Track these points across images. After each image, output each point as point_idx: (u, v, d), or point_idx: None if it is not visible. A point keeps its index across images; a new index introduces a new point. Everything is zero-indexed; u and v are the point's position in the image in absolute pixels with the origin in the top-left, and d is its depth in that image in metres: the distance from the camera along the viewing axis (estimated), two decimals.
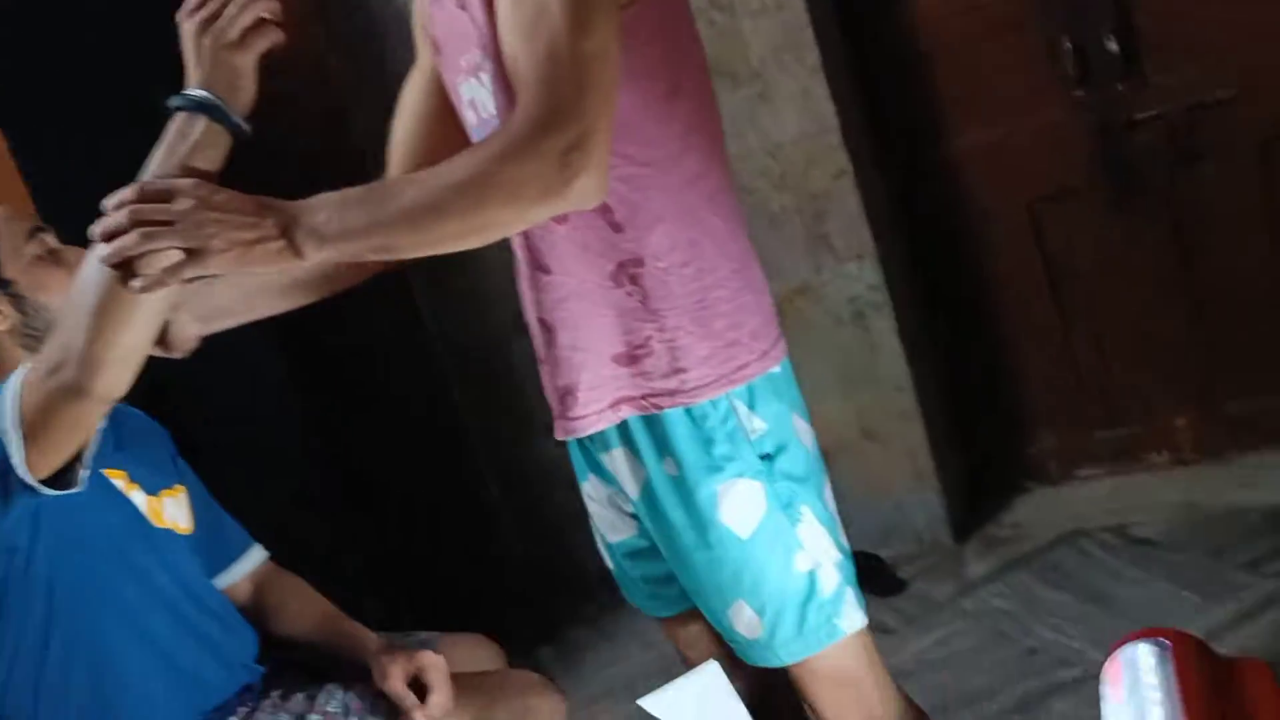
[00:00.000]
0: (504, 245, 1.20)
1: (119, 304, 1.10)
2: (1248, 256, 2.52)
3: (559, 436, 1.33)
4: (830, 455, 1.36)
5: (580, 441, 1.34)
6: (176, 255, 0.96)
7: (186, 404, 2.22)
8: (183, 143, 1.09)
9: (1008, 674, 2.23)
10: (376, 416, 3.12)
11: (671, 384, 1.19)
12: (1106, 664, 1.05)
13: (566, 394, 1.26)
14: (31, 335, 1.39)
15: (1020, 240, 2.71)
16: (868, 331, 2.67)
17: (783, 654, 1.26)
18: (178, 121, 1.10)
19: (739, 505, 1.21)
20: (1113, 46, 2.47)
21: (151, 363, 1.24)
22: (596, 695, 2.68)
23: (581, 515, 1.47)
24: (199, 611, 1.52)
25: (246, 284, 1.37)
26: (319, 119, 2.81)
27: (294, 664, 1.63)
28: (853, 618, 1.26)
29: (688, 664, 1.52)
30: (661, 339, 1.19)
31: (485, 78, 1.19)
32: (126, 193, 0.98)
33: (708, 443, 1.20)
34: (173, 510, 1.55)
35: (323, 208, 0.98)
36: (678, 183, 1.18)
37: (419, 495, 3.15)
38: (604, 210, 1.14)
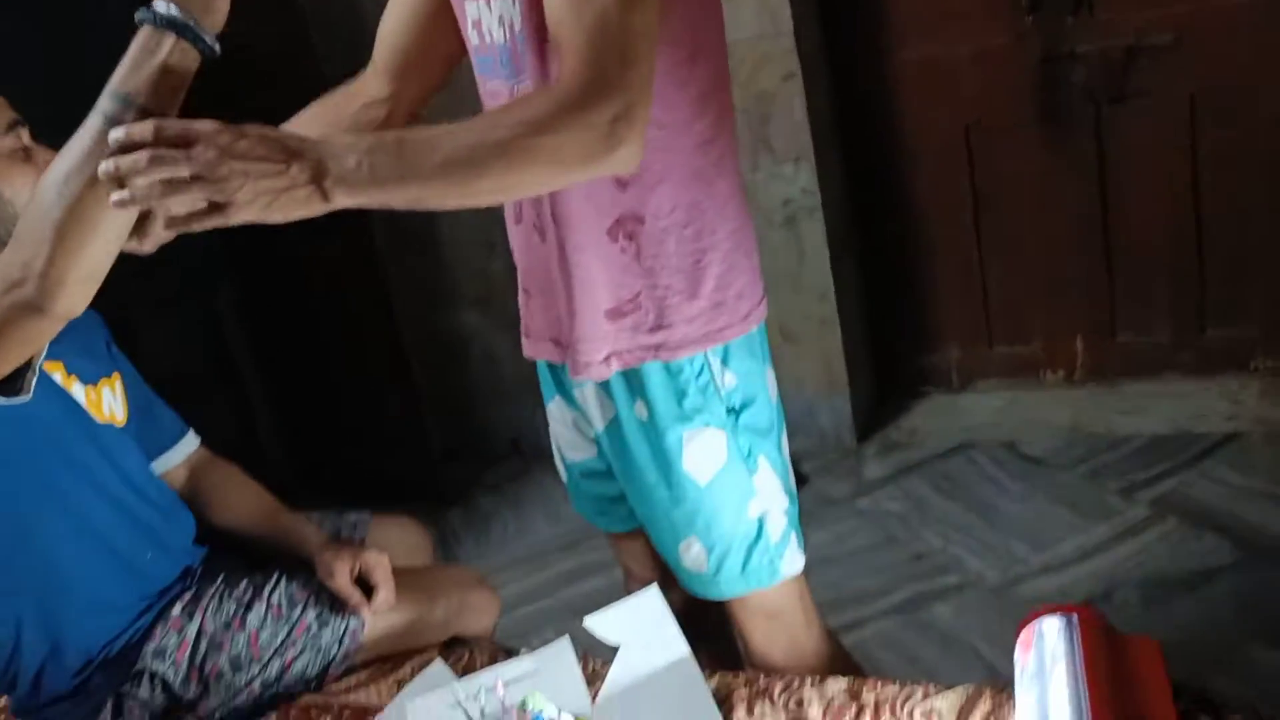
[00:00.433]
0: None
1: (84, 222, 1.04)
2: (1162, 200, 2.63)
3: (555, 360, 1.35)
4: None
5: (550, 364, 1.37)
6: (199, 202, 0.92)
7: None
8: (149, 60, 1.03)
9: (895, 576, 2.39)
10: (304, 282, 3.07)
11: (656, 339, 1.22)
12: (1020, 632, 1.17)
13: (562, 338, 1.29)
14: None
15: (951, 159, 2.77)
16: (798, 237, 2.72)
17: (725, 589, 1.35)
18: (143, 35, 1.04)
19: (701, 454, 1.27)
20: None
21: None
22: (503, 565, 2.77)
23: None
24: (140, 501, 1.52)
25: None
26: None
27: (234, 547, 1.65)
28: (794, 562, 1.35)
29: (628, 575, 1.61)
30: (651, 296, 1.21)
31: (494, 2, 1.16)
32: (141, 129, 0.92)
33: (680, 394, 1.25)
34: (110, 401, 1.53)
35: (352, 152, 0.94)
36: (689, 145, 1.19)
37: (338, 357, 3.13)
38: None
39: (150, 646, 1.48)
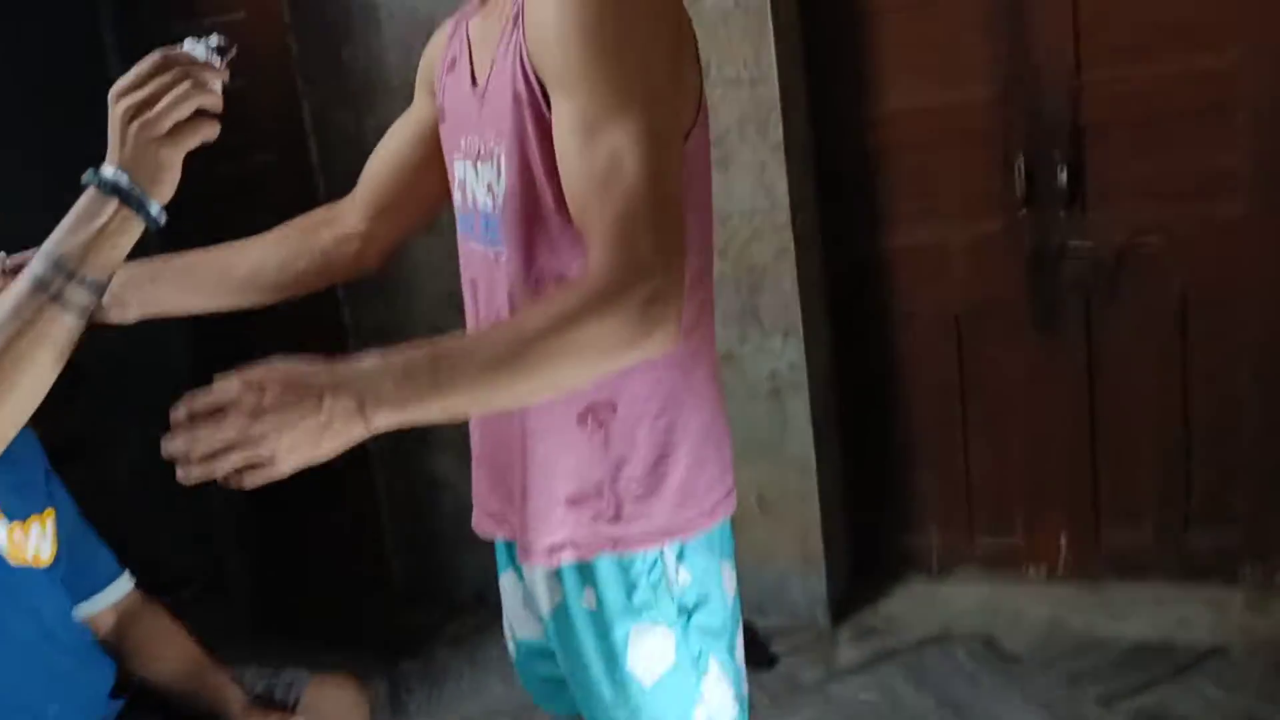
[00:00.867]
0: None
1: (18, 361, 1.00)
2: (1150, 398, 2.60)
3: (502, 538, 1.31)
4: None
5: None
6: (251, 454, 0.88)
7: None
8: (87, 224, 1.01)
9: None
10: None
11: (615, 531, 1.17)
12: None
13: (511, 518, 1.24)
14: None
15: (940, 343, 2.76)
16: (782, 409, 2.69)
17: None
18: (86, 198, 1.02)
19: (648, 653, 1.20)
20: (1063, 176, 2.53)
21: None
22: None
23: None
24: (53, 649, 1.44)
25: (188, 283, 1.34)
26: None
27: (152, 701, 1.56)
28: None
29: None
30: (612, 489, 1.16)
31: (483, 167, 1.15)
32: (176, 415, 0.89)
33: (631, 588, 1.18)
34: (36, 540, 1.46)
35: (387, 376, 0.91)
36: None
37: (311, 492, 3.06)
38: None
39: None
